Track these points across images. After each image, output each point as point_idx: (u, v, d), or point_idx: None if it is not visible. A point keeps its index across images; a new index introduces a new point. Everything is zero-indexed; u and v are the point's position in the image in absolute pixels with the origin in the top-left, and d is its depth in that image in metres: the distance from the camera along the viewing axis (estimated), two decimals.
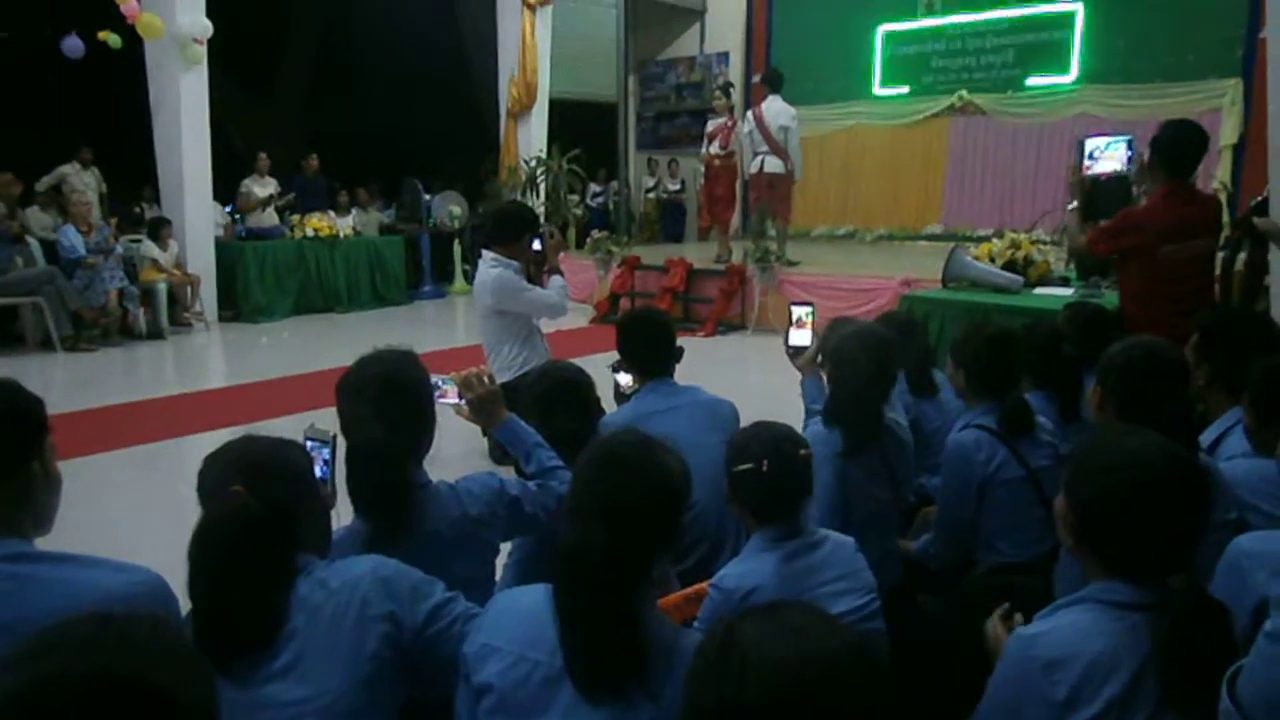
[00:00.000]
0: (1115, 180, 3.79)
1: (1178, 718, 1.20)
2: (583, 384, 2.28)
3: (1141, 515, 1.28)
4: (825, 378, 2.50)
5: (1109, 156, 3.63)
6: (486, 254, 4.32)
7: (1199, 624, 1.19)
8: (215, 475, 1.39)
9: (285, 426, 5.13)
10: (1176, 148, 3.38)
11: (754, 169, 8.37)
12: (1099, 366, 2.04)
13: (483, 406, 2.05)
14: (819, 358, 2.68)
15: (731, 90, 9.52)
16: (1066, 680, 1.22)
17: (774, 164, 8.23)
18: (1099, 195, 3.75)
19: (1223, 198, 8.23)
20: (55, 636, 0.83)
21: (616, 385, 2.72)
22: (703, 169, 9.47)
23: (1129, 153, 3.59)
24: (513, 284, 4.20)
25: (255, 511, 1.30)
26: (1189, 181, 3.44)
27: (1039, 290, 4.78)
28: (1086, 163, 3.63)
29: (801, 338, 2.81)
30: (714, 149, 9.11)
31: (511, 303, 4.22)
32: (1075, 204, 3.66)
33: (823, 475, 2.14)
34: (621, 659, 1.22)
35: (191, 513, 1.37)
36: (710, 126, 9.17)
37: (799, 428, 2.65)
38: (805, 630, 0.88)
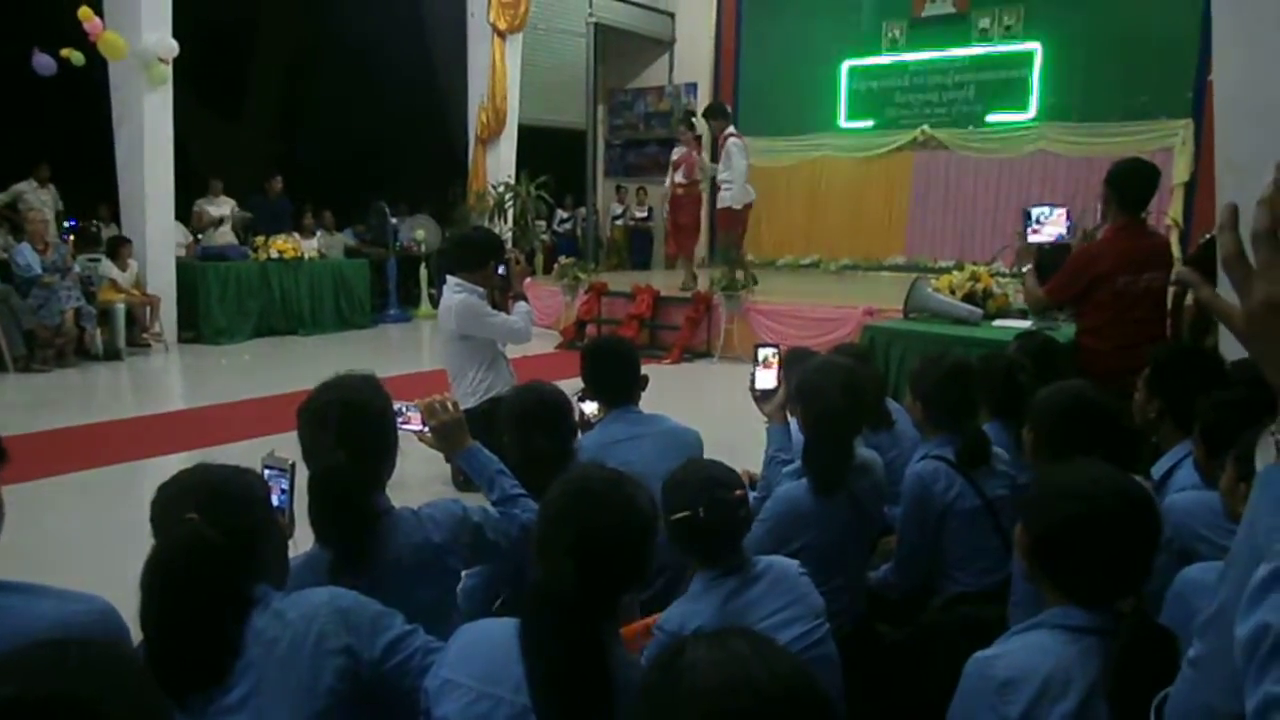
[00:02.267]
0: (1059, 250, 3.97)
1: None
2: (561, 404, 2.28)
3: (1093, 544, 1.34)
4: (799, 421, 2.48)
5: (1052, 222, 3.87)
6: (451, 279, 4.29)
7: (1145, 648, 1.24)
8: (169, 504, 1.37)
9: (245, 450, 5.08)
10: (1128, 183, 3.52)
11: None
12: (1030, 410, 2.13)
13: (446, 433, 2.04)
14: (790, 401, 2.64)
15: (695, 120, 9.60)
16: (1020, 699, 1.26)
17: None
18: (1045, 261, 3.96)
19: (1175, 234, 8.50)
20: (12, 661, 0.83)
21: (581, 413, 2.72)
22: (667, 198, 9.58)
23: (1068, 222, 3.84)
24: (477, 309, 4.18)
25: (209, 540, 1.27)
26: (1141, 218, 3.58)
27: (998, 322, 4.87)
28: (1034, 226, 3.87)
29: (767, 379, 2.79)
30: (678, 178, 9.18)
31: (476, 328, 4.20)
32: (1029, 267, 3.83)
33: (803, 535, 2.15)
34: (591, 697, 1.21)
35: (146, 539, 1.34)
36: (675, 155, 9.23)
37: (760, 455, 2.67)
38: (746, 659, 0.87)
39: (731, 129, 8.47)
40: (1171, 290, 4.09)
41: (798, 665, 0.90)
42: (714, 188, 8.70)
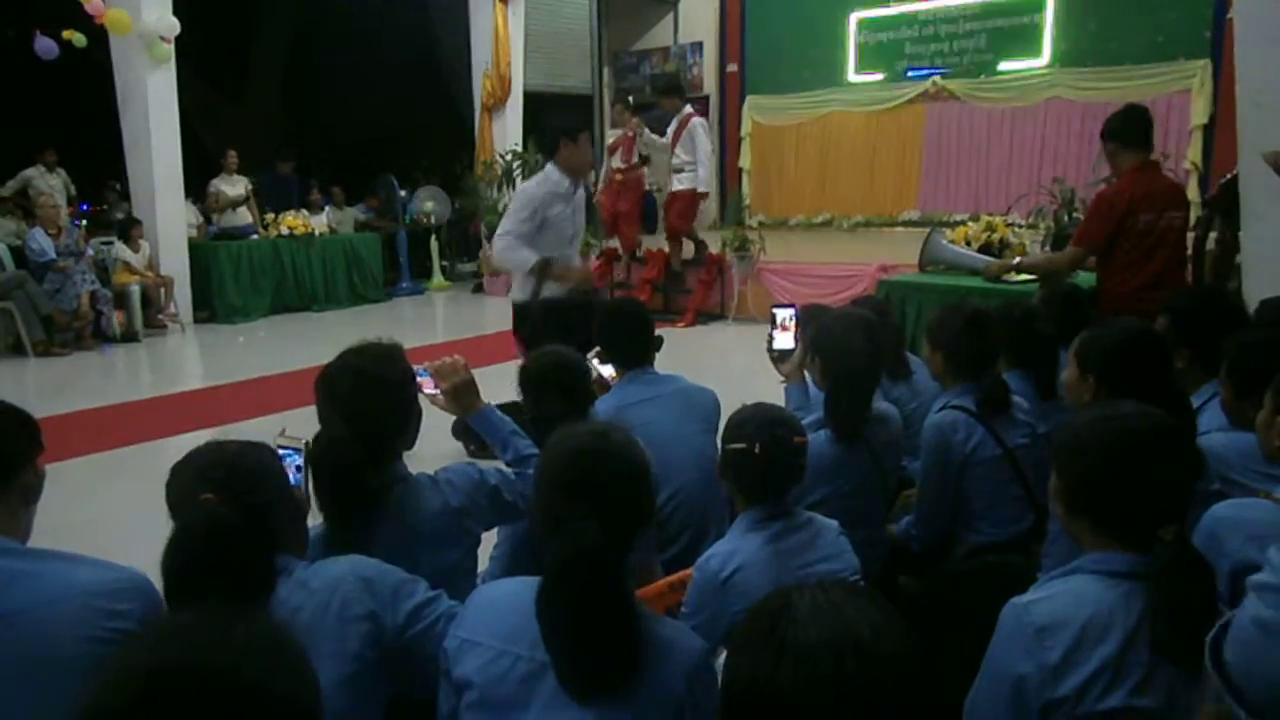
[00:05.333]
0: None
1: (1171, 676, 1.21)
2: (576, 368, 2.27)
3: (1131, 476, 1.31)
4: (816, 374, 2.46)
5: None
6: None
7: (1185, 576, 1.21)
8: (183, 484, 1.37)
9: (264, 426, 5.12)
10: (1127, 125, 3.55)
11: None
12: (1080, 350, 2.05)
13: (458, 395, 2.03)
14: (808, 355, 2.63)
15: (631, 101, 9.11)
16: (1059, 644, 1.24)
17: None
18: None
19: (1194, 177, 8.35)
20: (173, 628, 0.83)
21: (599, 375, 2.71)
22: (605, 184, 8.99)
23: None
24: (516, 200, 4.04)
25: (226, 519, 1.27)
26: (1153, 159, 3.58)
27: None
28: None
29: (784, 340, 2.76)
30: (615, 162, 8.68)
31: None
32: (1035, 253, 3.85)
33: (824, 486, 2.15)
34: (622, 655, 1.21)
35: (168, 517, 1.35)
36: (610, 139, 8.87)
37: None
38: (849, 613, 0.88)
39: (689, 108, 8.25)
40: (1191, 235, 4.04)
41: (898, 621, 0.90)
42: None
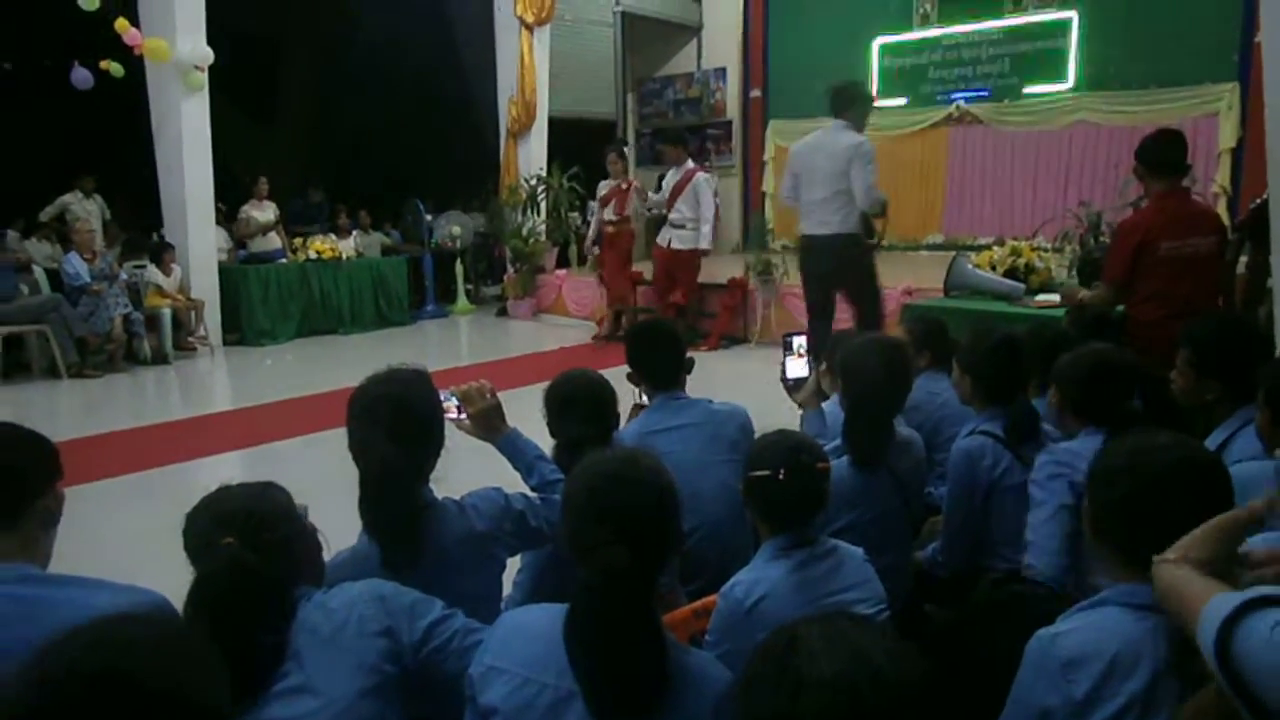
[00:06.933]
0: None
1: None
2: (601, 392, 2.24)
3: (1162, 513, 1.27)
4: (838, 396, 2.46)
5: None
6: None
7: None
8: (201, 530, 1.40)
9: (293, 449, 5.18)
10: (1159, 150, 3.51)
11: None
12: (1053, 375, 2.21)
13: (484, 420, 2.04)
14: (833, 379, 2.62)
15: (626, 150, 8.68)
16: (1086, 679, 1.22)
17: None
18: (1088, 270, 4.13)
19: (1222, 202, 8.27)
20: (77, 636, 0.86)
21: (639, 401, 2.68)
22: (596, 238, 8.86)
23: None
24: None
25: (249, 563, 1.30)
26: (1182, 185, 3.54)
27: (1040, 297, 4.78)
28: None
29: (798, 368, 2.75)
30: (607, 214, 8.44)
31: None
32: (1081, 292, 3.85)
33: (847, 513, 2.15)
34: (650, 682, 1.21)
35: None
36: (603, 190, 8.51)
37: None
38: (861, 645, 0.88)
39: (691, 162, 8.01)
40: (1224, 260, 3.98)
41: (910, 649, 0.90)
42: (657, 223, 7.93)
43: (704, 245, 8.01)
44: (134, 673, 0.81)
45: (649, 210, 8.37)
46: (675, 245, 8.00)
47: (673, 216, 8.00)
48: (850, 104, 4.88)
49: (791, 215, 11.56)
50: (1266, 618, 0.98)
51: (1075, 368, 2.15)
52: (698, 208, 7.86)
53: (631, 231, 8.57)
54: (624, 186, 8.36)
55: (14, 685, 0.81)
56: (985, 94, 10.73)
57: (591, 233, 8.94)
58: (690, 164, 8.01)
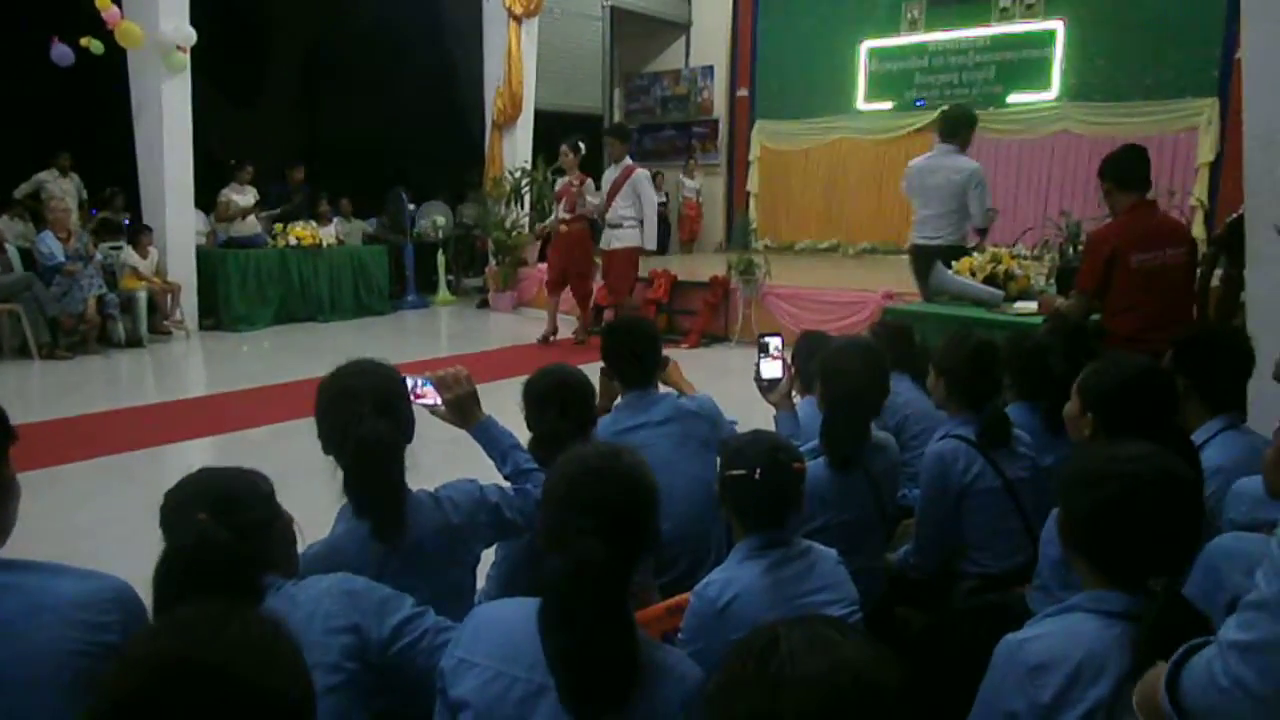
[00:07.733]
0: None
1: None
2: (578, 387, 2.24)
3: (1133, 524, 1.28)
4: (812, 398, 2.47)
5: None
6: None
7: (1174, 628, 1.19)
8: (177, 506, 1.40)
9: (267, 435, 5.13)
10: (1119, 165, 3.60)
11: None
12: (1081, 385, 2.00)
13: (460, 406, 2.03)
14: (800, 383, 2.64)
15: (581, 147, 8.19)
16: (1052, 684, 1.22)
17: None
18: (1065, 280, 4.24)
19: (1199, 215, 8.38)
20: (174, 622, 0.90)
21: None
22: (552, 232, 8.49)
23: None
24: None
25: (219, 537, 1.29)
26: (1149, 198, 3.59)
27: (1019, 304, 4.81)
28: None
29: (773, 369, 2.75)
30: (561, 212, 8.07)
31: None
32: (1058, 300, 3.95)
33: (822, 514, 2.16)
34: (622, 674, 1.21)
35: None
36: (558, 186, 8.23)
37: None
38: (841, 644, 0.88)
39: (630, 159, 7.82)
40: (1199, 271, 4.03)
41: (887, 653, 0.90)
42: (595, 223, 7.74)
43: (648, 245, 7.86)
44: (223, 665, 0.84)
45: (591, 213, 8.07)
46: (615, 245, 7.83)
47: (610, 216, 7.80)
48: (958, 129, 5.36)
49: (776, 215, 11.57)
50: (1205, 652, 1.03)
51: (1102, 379, 2.00)
52: (638, 204, 7.67)
53: (585, 231, 8.13)
54: (575, 183, 7.99)
55: (117, 670, 0.84)
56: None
57: (544, 227, 8.58)
58: (629, 160, 7.82)
